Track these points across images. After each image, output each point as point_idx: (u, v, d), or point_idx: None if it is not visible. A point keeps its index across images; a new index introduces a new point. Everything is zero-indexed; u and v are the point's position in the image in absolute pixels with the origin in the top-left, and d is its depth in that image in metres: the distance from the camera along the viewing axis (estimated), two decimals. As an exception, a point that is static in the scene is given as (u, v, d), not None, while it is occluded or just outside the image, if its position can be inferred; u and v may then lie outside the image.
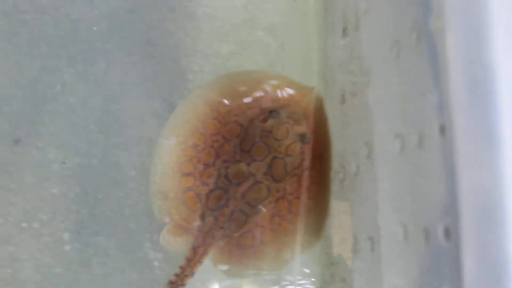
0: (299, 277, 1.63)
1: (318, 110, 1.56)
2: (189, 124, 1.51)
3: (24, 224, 1.64)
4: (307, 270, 1.63)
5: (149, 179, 1.55)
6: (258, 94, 1.54)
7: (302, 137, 1.48)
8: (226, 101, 1.53)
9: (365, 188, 1.37)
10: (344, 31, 1.53)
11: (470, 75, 0.90)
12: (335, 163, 1.54)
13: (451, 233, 0.93)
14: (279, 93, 1.54)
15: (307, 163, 1.51)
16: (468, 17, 0.90)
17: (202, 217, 1.48)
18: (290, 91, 1.55)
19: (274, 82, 1.57)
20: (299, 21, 1.73)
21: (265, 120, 1.47)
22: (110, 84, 1.68)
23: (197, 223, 1.49)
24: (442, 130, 0.97)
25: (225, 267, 1.52)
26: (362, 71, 1.39)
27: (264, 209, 1.48)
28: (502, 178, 0.86)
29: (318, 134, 1.53)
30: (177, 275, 1.46)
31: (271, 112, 1.48)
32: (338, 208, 1.52)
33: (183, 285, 1.46)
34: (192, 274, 1.47)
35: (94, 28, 1.69)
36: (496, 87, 0.88)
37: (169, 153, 1.51)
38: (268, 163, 1.46)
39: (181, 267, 1.47)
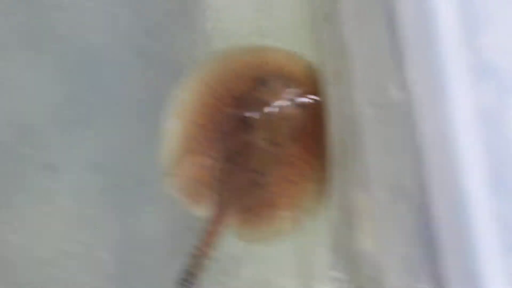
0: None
1: (309, 73, 1.61)
2: (189, 105, 1.59)
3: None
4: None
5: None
6: (249, 66, 1.61)
7: (297, 102, 1.55)
8: (219, 78, 1.60)
9: (358, 168, 1.43)
10: (326, 17, 1.60)
11: (415, 16, 1.02)
12: (336, 149, 1.58)
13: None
14: (268, 62, 1.61)
15: (307, 126, 1.57)
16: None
17: (216, 190, 1.55)
18: (278, 59, 1.62)
19: (262, 53, 1.64)
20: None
21: (257, 89, 1.55)
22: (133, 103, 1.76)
23: (211, 195, 1.55)
24: (403, 87, 1.07)
25: (247, 236, 1.59)
26: (344, 53, 1.46)
27: (272, 175, 1.55)
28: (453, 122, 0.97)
29: (313, 95, 1.59)
30: (197, 247, 1.51)
31: (261, 81, 1.55)
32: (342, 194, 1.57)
33: (206, 256, 1.52)
34: (212, 245, 1.52)
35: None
36: (439, 23, 0.98)
37: (174, 133, 1.59)
38: (266, 130, 1.54)
39: (200, 240, 1.52)
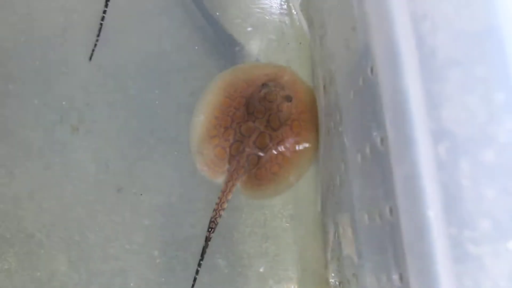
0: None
1: (296, 80, 2.20)
2: (211, 103, 2.15)
3: (127, 246, 2.21)
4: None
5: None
6: (255, 75, 2.19)
7: (287, 98, 2.08)
8: (233, 84, 2.17)
9: (343, 194, 1.77)
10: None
11: (392, 97, 1.28)
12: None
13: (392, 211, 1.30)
14: (268, 73, 2.19)
15: (294, 116, 2.11)
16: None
17: (229, 162, 2.09)
18: (276, 71, 2.20)
19: (265, 67, 2.24)
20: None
21: (260, 91, 2.09)
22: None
23: (226, 166, 2.09)
24: (382, 142, 1.34)
25: (250, 194, 2.12)
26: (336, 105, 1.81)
27: (270, 150, 2.09)
28: (419, 168, 1.21)
29: (300, 95, 2.16)
30: (217, 203, 2.06)
31: (264, 85, 2.11)
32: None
33: (222, 209, 2.05)
34: (227, 200, 2.06)
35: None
36: (409, 99, 1.22)
37: (200, 124, 2.14)
38: (267, 119, 2.07)
39: (219, 198, 2.06)
